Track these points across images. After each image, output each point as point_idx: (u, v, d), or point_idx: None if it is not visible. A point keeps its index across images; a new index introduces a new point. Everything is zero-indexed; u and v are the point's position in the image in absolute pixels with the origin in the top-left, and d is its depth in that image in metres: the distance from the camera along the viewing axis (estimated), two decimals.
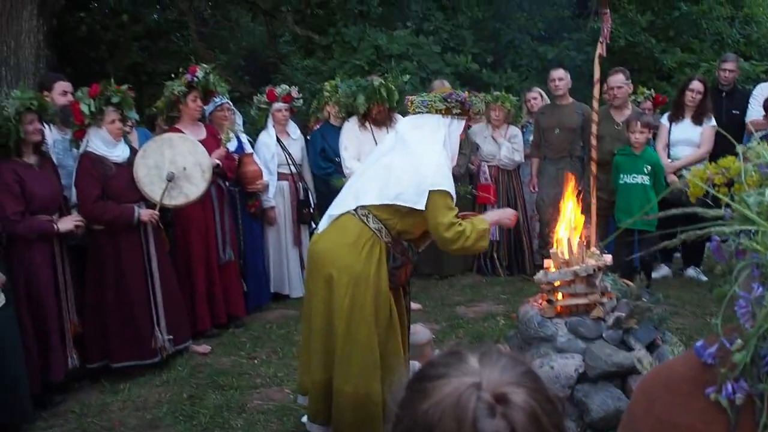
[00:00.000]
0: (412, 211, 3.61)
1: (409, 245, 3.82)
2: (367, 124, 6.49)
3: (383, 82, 6.44)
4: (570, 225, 4.51)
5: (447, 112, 3.71)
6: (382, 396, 3.58)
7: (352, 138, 6.50)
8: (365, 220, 3.64)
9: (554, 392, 1.11)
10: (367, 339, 3.61)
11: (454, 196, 3.69)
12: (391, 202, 3.60)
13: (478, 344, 3.31)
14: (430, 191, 3.54)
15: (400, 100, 6.45)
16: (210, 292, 6.01)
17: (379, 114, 6.43)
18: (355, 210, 3.68)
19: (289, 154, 6.92)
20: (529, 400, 1.04)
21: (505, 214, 4.16)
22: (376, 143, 6.26)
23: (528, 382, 1.07)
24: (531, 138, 7.68)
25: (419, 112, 3.76)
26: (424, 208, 3.56)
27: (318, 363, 3.75)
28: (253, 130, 7.37)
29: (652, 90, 8.50)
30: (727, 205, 1.35)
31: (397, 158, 3.69)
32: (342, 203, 3.78)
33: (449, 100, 3.70)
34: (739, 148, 1.51)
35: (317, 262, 3.72)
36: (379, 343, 3.64)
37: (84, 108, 4.93)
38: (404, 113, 7.06)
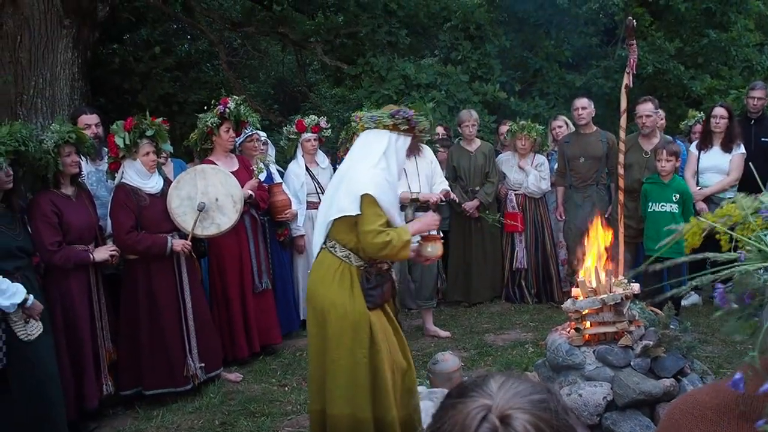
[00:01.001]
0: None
1: (386, 261, 3.93)
2: None
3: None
4: (598, 254, 4.54)
5: (394, 128, 3.87)
6: (372, 413, 3.74)
7: None
8: (333, 252, 3.81)
9: (568, 423, 1.16)
10: (349, 363, 3.75)
11: (391, 206, 3.81)
12: (333, 218, 3.77)
13: (508, 370, 3.49)
14: (360, 196, 3.67)
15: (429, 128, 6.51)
16: (246, 320, 6.09)
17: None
18: (325, 244, 3.86)
19: (318, 183, 7.01)
20: (529, 426, 1.09)
21: (426, 221, 4.13)
22: (405, 171, 6.33)
23: (535, 409, 1.13)
24: (556, 166, 7.72)
25: (368, 128, 3.92)
26: (360, 212, 3.68)
27: (313, 393, 3.97)
28: (283, 159, 7.48)
29: (702, 113, 8.38)
30: (737, 248, 1.40)
31: (342, 178, 3.86)
32: (317, 241, 3.97)
33: (396, 116, 3.86)
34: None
35: (307, 299, 3.98)
36: (365, 364, 3.75)
37: (119, 141, 5.06)
38: (431, 144, 7.21)
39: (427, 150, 6.62)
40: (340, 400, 3.77)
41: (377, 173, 3.78)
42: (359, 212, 3.68)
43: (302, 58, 15.61)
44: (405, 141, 3.94)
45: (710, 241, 1.48)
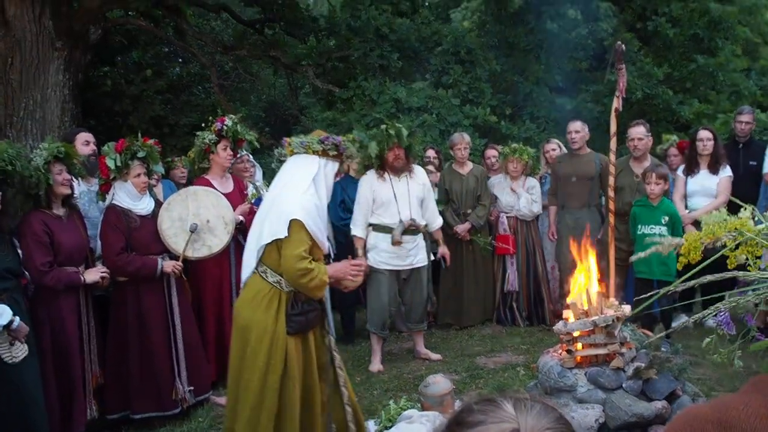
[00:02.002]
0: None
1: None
2: (385, 175, 6.42)
3: (391, 124, 6.43)
4: (589, 276, 4.54)
5: (323, 153, 3.98)
6: None
7: (366, 191, 6.42)
8: (264, 276, 3.87)
9: None
10: (259, 385, 3.81)
11: (319, 231, 3.87)
12: (264, 243, 3.82)
13: (509, 391, 3.51)
14: (290, 220, 3.73)
15: (413, 142, 6.50)
16: (221, 345, 5.99)
17: (397, 160, 6.34)
18: (256, 269, 3.91)
19: None
20: None
21: (342, 269, 4.11)
22: (394, 194, 6.34)
23: (563, 427, 1.12)
24: (549, 187, 7.75)
25: (297, 153, 4.01)
26: (287, 235, 3.73)
27: (228, 410, 4.04)
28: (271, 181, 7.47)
29: (676, 136, 8.53)
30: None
31: (272, 203, 3.92)
32: (247, 264, 3.98)
33: (326, 142, 3.98)
34: (748, 210, 1.55)
35: (234, 317, 4.03)
36: (275, 389, 3.82)
37: (110, 162, 5.05)
38: (423, 164, 7.23)
39: (419, 172, 6.61)
40: (244, 421, 3.82)
41: (307, 198, 3.86)
42: (287, 235, 3.74)
43: (294, 82, 15.70)
44: (333, 166, 4.07)
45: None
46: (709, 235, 1.50)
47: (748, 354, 1.37)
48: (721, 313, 1.38)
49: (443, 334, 7.62)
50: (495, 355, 6.76)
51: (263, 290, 3.85)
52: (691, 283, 1.52)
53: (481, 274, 7.85)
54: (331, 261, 7.00)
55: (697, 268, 1.52)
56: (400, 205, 6.35)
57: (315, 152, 3.97)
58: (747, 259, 1.41)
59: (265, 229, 3.83)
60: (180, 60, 15.57)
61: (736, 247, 1.46)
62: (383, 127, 6.40)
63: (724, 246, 1.48)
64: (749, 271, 1.42)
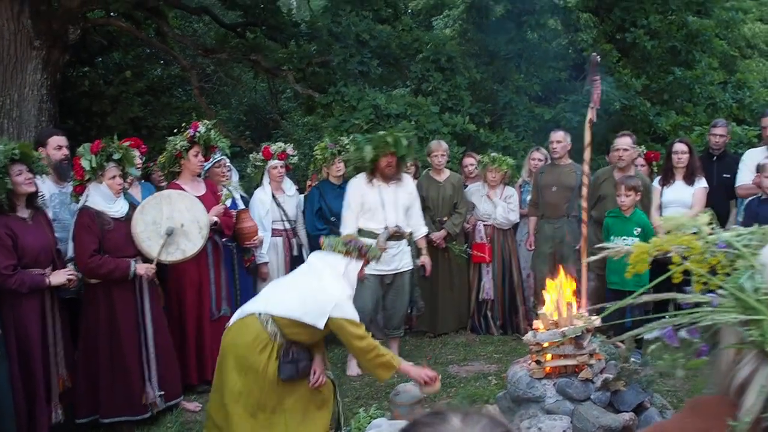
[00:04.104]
0: (309, 326, 4.16)
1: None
2: (374, 180, 6.41)
3: (390, 132, 6.48)
4: (560, 286, 4.57)
5: (347, 253, 4.39)
6: None
7: (355, 194, 6.42)
8: (264, 324, 4.15)
9: None
10: (239, 421, 4.12)
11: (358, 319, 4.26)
12: (296, 319, 4.15)
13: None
14: (339, 317, 4.12)
15: (408, 153, 6.52)
16: (200, 347, 6.02)
17: (388, 167, 6.35)
18: (260, 315, 4.19)
19: (284, 211, 7.00)
20: None
21: (420, 373, 4.36)
22: (381, 200, 6.35)
23: None
24: (529, 197, 7.78)
25: (326, 251, 4.44)
26: (322, 328, 4.13)
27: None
28: (250, 186, 7.47)
29: (643, 147, 8.64)
30: (708, 290, 1.37)
31: (307, 283, 4.32)
32: (254, 303, 4.36)
33: (349, 245, 4.41)
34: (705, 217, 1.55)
35: (222, 354, 4.27)
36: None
37: (85, 163, 5.02)
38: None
39: (407, 180, 6.65)
40: None
41: (345, 294, 4.27)
42: (322, 328, 4.12)
43: (274, 86, 15.68)
44: (357, 264, 4.44)
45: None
46: (658, 247, 1.51)
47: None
48: (665, 328, 1.39)
49: (417, 342, 7.63)
50: (468, 364, 6.78)
51: (261, 336, 4.13)
52: (632, 301, 1.53)
53: (456, 282, 7.87)
54: None
55: (651, 284, 1.53)
56: (387, 211, 6.38)
57: (340, 252, 4.38)
58: (691, 276, 1.42)
59: (299, 309, 4.15)
60: (161, 62, 15.52)
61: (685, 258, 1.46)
62: (383, 133, 6.42)
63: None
64: (696, 287, 1.43)
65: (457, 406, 1.27)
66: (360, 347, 4.20)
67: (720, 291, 1.35)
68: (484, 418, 1.19)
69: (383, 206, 6.37)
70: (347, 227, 6.40)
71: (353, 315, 4.22)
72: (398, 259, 6.50)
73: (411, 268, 6.65)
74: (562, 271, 4.77)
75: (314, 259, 4.50)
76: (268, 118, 17.34)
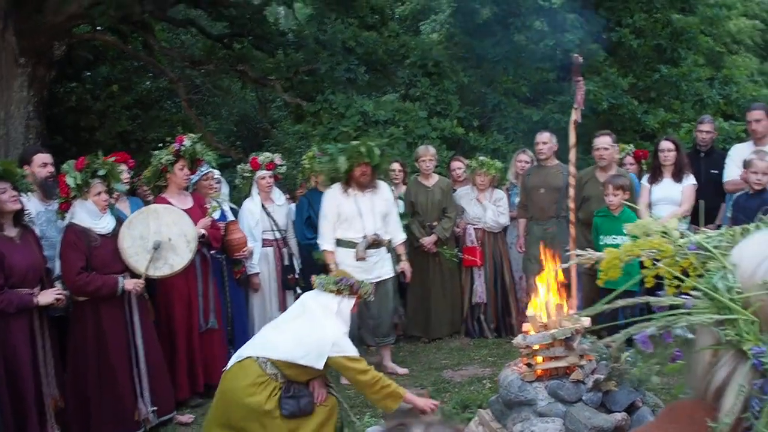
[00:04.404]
0: (309, 367, 4.22)
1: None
2: (350, 190, 6.39)
3: (364, 141, 6.42)
4: (549, 288, 4.56)
5: (338, 292, 4.44)
6: None
7: (331, 205, 6.40)
8: (263, 367, 4.20)
9: None
10: None
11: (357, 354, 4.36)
12: (295, 361, 4.18)
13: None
14: (338, 356, 4.20)
15: (382, 161, 6.51)
16: (191, 360, 6.00)
17: (363, 176, 6.33)
18: (257, 357, 4.23)
19: (274, 221, 6.99)
20: None
21: (428, 403, 4.50)
22: (358, 209, 6.34)
23: None
24: (518, 199, 7.78)
25: (318, 290, 4.50)
26: (321, 369, 4.20)
27: None
28: (238, 198, 7.46)
29: (632, 145, 8.67)
30: (681, 292, 1.36)
31: (302, 325, 4.35)
32: (250, 347, 4.38)
33: (340, 284, 4.46)
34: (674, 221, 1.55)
35: (223, 399, 4.29)
36: None
37: (70, 181, 4.99)
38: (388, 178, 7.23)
39: (383, 187, 6.62)
40: None
41: (341, 332, 4.34)
42: (321, 368, 4.18)
43: (264, 95, 15.67)
44: (349, 302, 4.50)
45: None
46: (629, 252, 1.50)
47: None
48: (641, 333, 1.38)
49: (411, 347, 7.62)
50: (462, 368, 6.77)
51: (261, 378, 4.17)
52: (605, 307, 1.53)
53: (448, 286, 7.86)
54: (296, 276, 7.04)
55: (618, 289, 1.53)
56: (365, 220, 6.36)
57: (331, 291, 4.44)
58: (664, 279, 1.41)
59: (297, 351, 4.18)
60: (150, 75, 15.49)
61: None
62: (355, 143, 6.39)
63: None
64: (669, 290, 1.42)
65: (419, 419, 1.27)
66: (364, 381, 4.26)
67: (693, 293, 1.34)
68: (449, 429, 1.19)
69: (360, 215, 6.35)
70: (325, 238, 6.41)
71: (352, 351, 4.29)
72: (379, 267, 6.48)
73: (392, 275, 6.64)
74: (549, 270, 4.75)
75: (307, 299, 4.55)
76: (259, 128, 17.34)
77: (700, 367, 1.30)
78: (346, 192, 6.40)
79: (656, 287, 1.50)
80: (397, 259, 6.78)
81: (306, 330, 4.30)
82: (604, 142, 6.91)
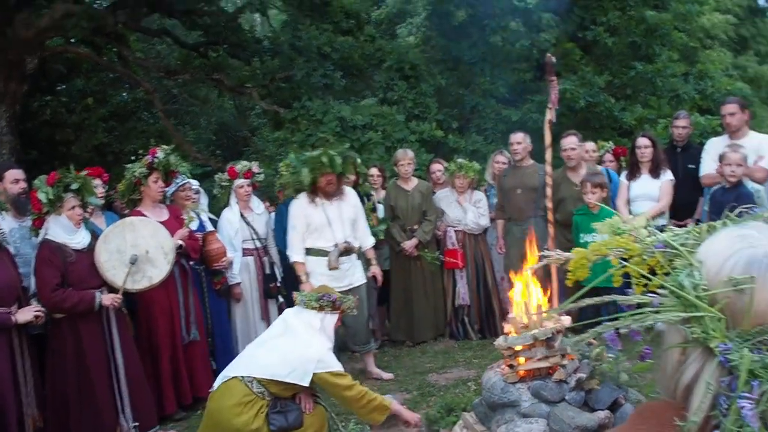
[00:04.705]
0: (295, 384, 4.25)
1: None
2: (317, 199, 6.32)
3: (325, 150, 6.31)
4: (528, 288, 4.55)
5: (320, 309, 4.48)
6: None
7: (299, 215, 6.32)
8: (250, 386, 4.20)
9: None
10: None
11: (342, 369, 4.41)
12: (282, 380, 4.20)
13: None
14: (323, 372, 4.25)
15: (347, 167, 6.45)
16: (176, 373, 5.95)
17: (329, 185, 6.26)
18: (243, 377, 4.22)
19: (254, 229, 6.94)
20: None
21: (414, 415, 4.62)
22: (327, 218, 6.29)
23: None
24: (496, 200, 7.77)
25: (300, 307, 4.53)
26: (308, 385, 4.24)
27: None
28: (217, 208, 7.40)
29: (611, 142, 8.71)
30: (649, 290, 1.35)
31: (286, 343, 4.38)
32: (235, 367, 4.36)
33: (322, 300, 4.49)
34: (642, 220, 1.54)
35: (210, 420, 4.29)
36: None
37: (41, 196, 4.94)
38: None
39: (350, 194, 6.55)
40: None
41: (326, 348, 4.38)
42: (308, 385, 4.23)
43: (242, 103, 15.63)
44: (332, 317, 4.54)
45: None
46: (596, 252, 1.49)
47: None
48: (610, 331, 1.36)
49: (396, 352, 7.59)
50: (447, 371, 6.74)
51: (247, 397, 4.16)
52: (572, 306, 1.51)
53: (431, 289, 7.84)
54: (278, 284, 6.99)
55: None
56: (334, 228, 6.30)
57: (313, 308, 4.47)
58: (632, 278, 1.40)
59: (282, 369, 4.20)
60: (126, 86, 15.40)
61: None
62: (316, 153, 6.30)
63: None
64: (636, 289, 1.41)
65: None
66: (350, 396, 4.30)
67: (660, 291, 1.33)
68: None
69: (330, 224, 6.29)
70: (294, 250, 6.33)
71: (337, 366, 4.33)
72: (350, 274, 6.44)
73: (364, 281, 6.60)
74: (528, 272, 4.73)
75: (289, 317, 4.56)
76: (239, 136, 17.29)
77: (669, 367, 1.29)
78: (314, 201, 6.31)
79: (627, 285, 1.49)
80: (367, 263, 6.73)
81: (290, 347, 4.32)
82: (570, 142, 6.94)
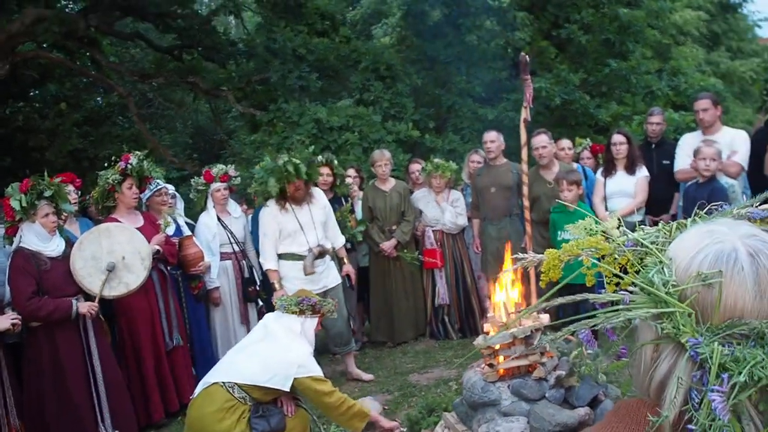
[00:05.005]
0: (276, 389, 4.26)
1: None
2: (287, 205, 6.28)
3: (288, 158, 6.28)
4: (506, 288, 4.56)
5: (301, 313, 4.50)
6: None
7: (270, 223, 6.28)
8: (231, 391, 4.18)
9: None
10: None
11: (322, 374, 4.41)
12: (263, 385, 4.20)
13: None
14: (304, 377, 4.25)
15: (313, 172, 6.43)
16: (162, 379, 5.90)
17: (297, 191, 6.24)
18: (224, 383, 4.20)
19: (231, 233, 6.91)
20: None
21: (387, 422, 4.67)
22: (299, 223, 6.27)
23: None
24: (471, 199, 7.79)
25: (280, 312, 4.54)
26: (288, 390, 4.24)
27: None
28: (194, 212, 7.35)
29: (588, 139, 8.76)
30: (621, 289, 1.35)
31: (267, 348, 4.37)
32: (216, 373, 4.33)
33: (302, 304, 4.52)
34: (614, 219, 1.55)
35: (191, 427, 4.24)
36: None
37: (14, 204, 4.88)
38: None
39: (319, 195, 6.53)
40: None
41: (307, 353, 4.40)
42: (288, 390, 4.22)
43: (218, 106, 15.55)
44: (312, 321, 4.57)
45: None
46: (568, 252, 1.49)
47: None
48: (584, 330, 1.37)
49: (376, 353, 7.59)
50: (428, 371, 6.75)
51: (229, 402, 4.14)
52: (545, 305, 1.51)
53: (410, 289, 7.84)
54: (257, 288, 6.96)
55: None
56: (307, 233, 6.28)
57: (293, 312, 4.48)
58: (604, 277, 1.40)
59: (263, 374, 4.19)
60: (100, 90, 15.27)
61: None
62: (282, 162, 6.29)
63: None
64: (608, 288, 1.41)
65: None
66: (330, 402, 4.30)
67: (631, 288, 1.33)
68: None
69: (302, 229, 6.28)
70: (267, 257, 6.32)
71: (318, 371, 4.33)
72: (325, 276, 6.43)
73: (339, 282, 6.59)
74: (506, 269, 4.75)
75: (269, 322, 4.55)
76: (215, 139, 17.20)
77: (642, 364, 1.30)
78: (284, 208, 6.29)
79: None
80: (339, 263, 6.72)
81: (271, 352, 4.32)
82: (541, 140, 6.98)
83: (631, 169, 7.02)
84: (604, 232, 1.52)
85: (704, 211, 1.44)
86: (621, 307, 1.32)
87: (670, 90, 12.98)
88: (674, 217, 6.75)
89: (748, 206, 1.39)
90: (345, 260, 6.74)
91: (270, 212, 6.31)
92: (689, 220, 1.40)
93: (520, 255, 1.62)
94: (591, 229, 1.48)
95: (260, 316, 6.97)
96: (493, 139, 7.42)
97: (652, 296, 1.24)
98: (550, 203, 6.69)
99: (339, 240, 6.69)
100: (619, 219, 1.56)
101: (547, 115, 12.15)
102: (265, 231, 6.32)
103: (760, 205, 1.41)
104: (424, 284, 7.94)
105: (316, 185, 6.63)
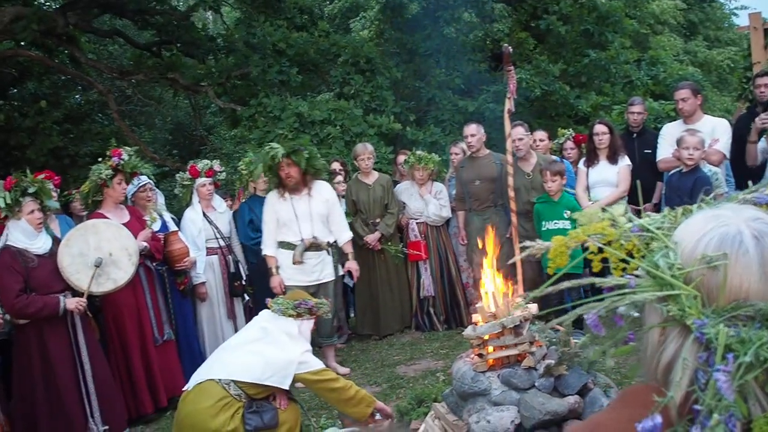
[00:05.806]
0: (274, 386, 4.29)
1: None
2: (286, 194, 6.36)
3: (272, 146, 6.35)
4: (494, 277, 4.60)
5: (298, 316, 4.52)
6: None
7: (269, 211, 6.40)
8: (227, 388, 4.19)
9: None
10: None
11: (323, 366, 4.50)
12: (262, 383, 4.23)
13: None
14: (305, 372, 4.31)
15: (310, 162, 6.42)
16: (149, 374, 5.89)
17: (288, 178, 6.28)
18: (219, 380, 4.21)
19: (217, 228, 6.90)
20: None
21: (389, 409, 4.74)
22: (295, 213, 6.32)
23: None
24: (455, 191, 7.82)
25: (276, 314, 4.54)
26: (287, 388, 4.30)
27: None
28: (179, 207, 7.33)
29: (571, 130, 8.81)
30: (627, 274, 1.37)
31: (265, 348, 4.37)
32: (209, 370, 4.33)
33: (299, 308, 4.55)
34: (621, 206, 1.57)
35: (183, 423, 4.22)
36: None
37: None
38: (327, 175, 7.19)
39: (322, 188, 6.55)
40: None
41: (306, 349, 4.42)
42: (288, 387, 4.28)
43: (197, 102, 15.47)
44: (309, 323, 4.59)
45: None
46: (575, 238, 1.51)
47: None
48: (590, 315, 1.38)
49: (363, 346, 7.61)
50: (415, 363, 6.78)
51: (224, 399, 4.14)
52: (550, 289, 1.53)
53: (395, 282, 7.87)
54: (243, 283, 6.96)
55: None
56: (301, 223, 6.32)
57: (290, 315, 4.50)
58: (610, 262, 1.42)
59: (262, 373, 4.21)
60: (79, 88, 15.13)
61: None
62: (265, 150, 6.32)
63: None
64: (615, 273, 1.43)
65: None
66: (338, 388, 4.37)
67: (637, 272, 1.35)
68: None
69: (297, 219, 6.34)
70: (265, 243, 6.41)
71: (318, 365, 4.40)
72: (319, 270, 6.46)
73: (333, 278, 6.60)
74: (492, 259, 4.78)
75: (266, 324, 4.55)
76: (195, 135, 17.10)
77: (649, 347, 1.31)
78: (283, 196, 6.37)
79: (603, 271, 1.51)
80: (344, 258, 6.72)
81: (270, 352, 4.33)
82: (518, 133, 7.01)
83: (613, 159, 7.06)
84: (610, 218, 1.53)
85: (698, 201, 1.46)
86: (627, 290, 1.35)
87: (649, 79, 13.08)
88: (657, 206, 6.81)
89: (753, 191, 1.42)
90: (350, 256, 6.73)
91: (270, 200, 6.44)
92: (695, 205, 1.42)
93: (528, 243, 1.63)
94: (597, 217, 1.50)
95: (246, 310, 6.99)
96: (474, 132, 7.45)
97: (658, 279, 1.26)
98: (529, 194, 6.75)
99: (344, 235, 6.66)
100: (626, 207, 1.58)
101: (527, 106, 12.20)
102: (264, 218, 6.46)
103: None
104: (409, 276, 7.97)
105: (320, 178, 6.64)
